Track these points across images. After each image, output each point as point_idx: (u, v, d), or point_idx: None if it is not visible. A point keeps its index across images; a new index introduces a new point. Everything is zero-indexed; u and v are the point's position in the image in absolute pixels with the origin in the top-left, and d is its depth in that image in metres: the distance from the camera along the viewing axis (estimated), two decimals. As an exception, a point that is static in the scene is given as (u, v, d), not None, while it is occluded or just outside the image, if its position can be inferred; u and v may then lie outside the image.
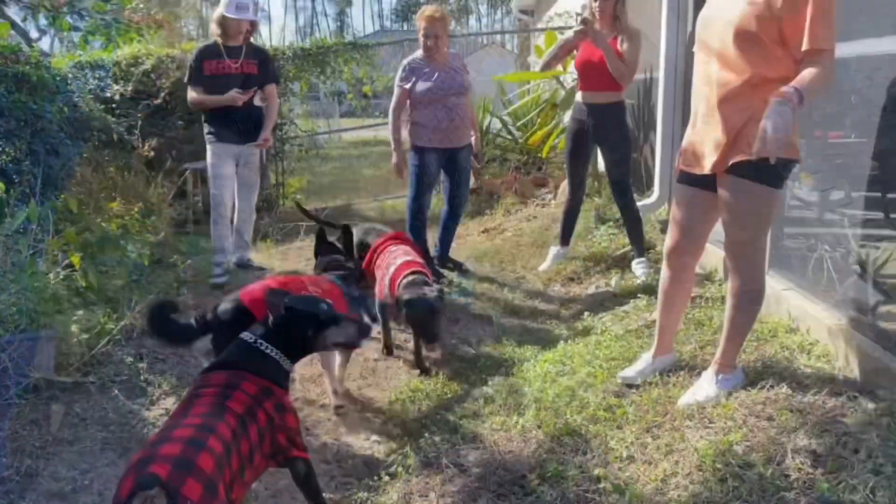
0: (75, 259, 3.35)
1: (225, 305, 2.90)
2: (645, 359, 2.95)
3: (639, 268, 4.64)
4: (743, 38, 2.35)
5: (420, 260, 3.77)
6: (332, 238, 3.83)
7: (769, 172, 2.33)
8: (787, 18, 2.27)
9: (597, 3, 4.43)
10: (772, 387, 2.57)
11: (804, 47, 2.25)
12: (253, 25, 4.89)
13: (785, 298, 3.18)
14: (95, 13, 3.45)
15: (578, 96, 4.70)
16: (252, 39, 5.01)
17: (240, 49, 4.75)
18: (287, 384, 2.30)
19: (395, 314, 3.67)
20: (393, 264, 3.67)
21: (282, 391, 2.20)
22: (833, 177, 3.27)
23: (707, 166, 2.53)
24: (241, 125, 4.79)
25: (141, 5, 4.16)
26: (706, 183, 2.59)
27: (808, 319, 2.97)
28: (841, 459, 2.11)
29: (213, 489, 1.70)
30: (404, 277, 3.53)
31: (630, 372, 2.90)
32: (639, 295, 4.11)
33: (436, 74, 4.63)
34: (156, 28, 3.63)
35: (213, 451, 1.76)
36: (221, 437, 1.81)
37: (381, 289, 3.71)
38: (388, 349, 3.86)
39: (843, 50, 2.84)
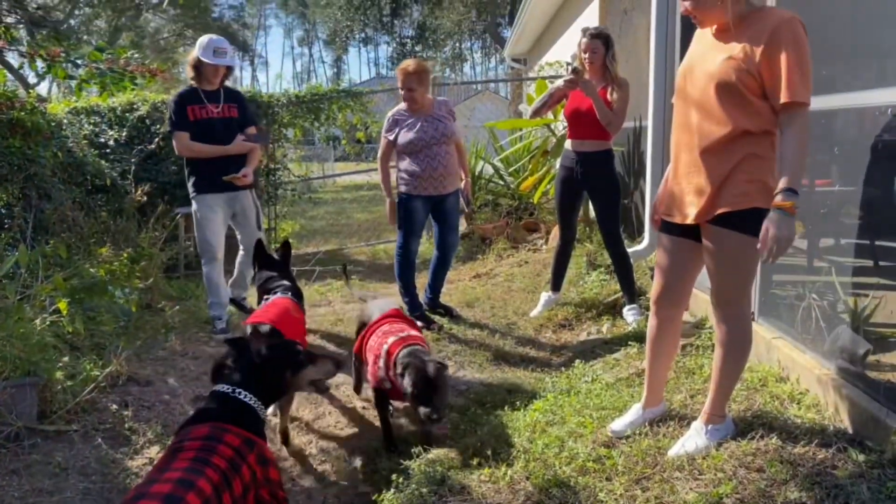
0: (62, 305, 3.33)
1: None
2: (635, 410, 2.92)
3: (630, 314, 4.64)
4: (723, 90, 2.39)
5: (418, 335, 3.38)
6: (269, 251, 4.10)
7: (753, 222, 2.34)
8: (765, 71, 2.31)
9: (587, 55, 4.53)
10: (762, 437, 2.55)
11: (782, 100, 2.28)
12: (229, 69, 4.81)
13: (775, 347, 3.17)
14: (90, 62, 3.50)
15: (568, 144, 4.77)
16: (248, 86, 5.05)
17: (218, 93, 4.70)
18: (264, 433, 2.28)
19: (392, 395, 3.28)
20: (386, 343, 3.23)
21: (262, 442, 2.19)
22: (821, 224, 3.29)
23: (690, 216, 2.54)
24: (227, 170, 4.68)
25: (136, 55, 4.22)
26: (689, 232, 2.60)
27: (797, 368, 2.96)
28: (832, 513, 2.08)
29: None
30: (401, 350, 3.14)
31: (619, 425, 2.87)
32: (630, 342, 4.10)
33: (418, 124, 4.70)
34: (149, 77, 3.67)
35: None
36: (201, 492, 1.78)
37: (373, 372, 3.26)
38: (390, 441, 3.30)
39: (830, 102, 2.92)
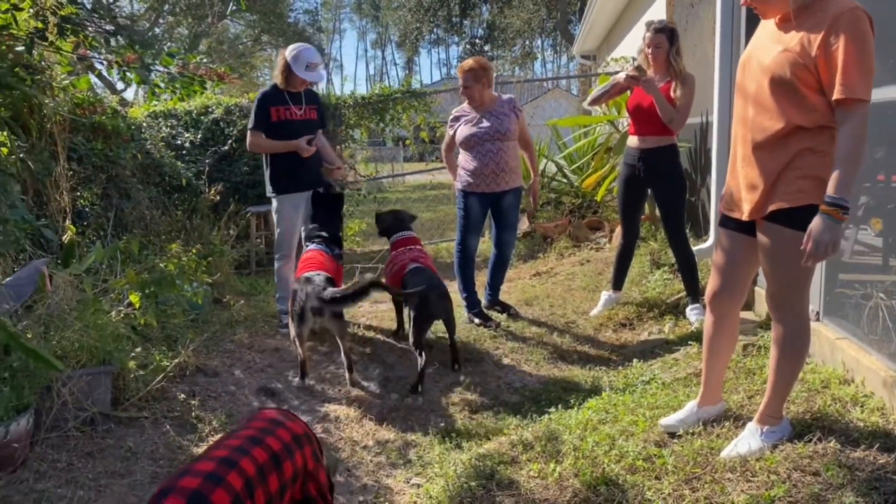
0: (134, 298, 3.52)
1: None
2: (689, 407, 2.88)
3: (693, 314, 4.54)
4: (777, 84, 2.33)
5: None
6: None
7: (808, 220, 2.27)
8: (822, 64, 2.23)
9: (650, 49, 4.45)
10: (820, 440, 2.47)
11: (836, 96, 2.20)
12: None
13: (839, 348, 3.06)
14: (163, 67, 3.69)
15: (630, 140, 4.70)
16: (323, 89, 5.17)
17: (300, 95, 4.82)
18: None
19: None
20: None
21: (318, 443, 2.25)
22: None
23: (746, 211, 2.49)
24: (307, 169, 4.82)
25: (205, 59, 4.41)
26: (747, 227, 2.55)
27: (862, 370, 2.84)
28: (888, 520, 2.00)
29: None
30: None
31: (672, 420, 2.84)
32: (690, 342, 4.02)
33: (478, 120, 4.75)
34: (217, 80, 3.84)
35: (231, 487, 1.79)
36: (243, 472, 1.85)
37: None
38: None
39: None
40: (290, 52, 4.75)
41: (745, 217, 2.50)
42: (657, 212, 5.66)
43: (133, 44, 3.66)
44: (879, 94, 3.04)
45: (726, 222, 2.66)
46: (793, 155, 2.32)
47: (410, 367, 4.30)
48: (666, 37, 4.42)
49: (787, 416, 2.66)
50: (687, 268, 4.65)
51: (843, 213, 2.16)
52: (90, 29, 3.61)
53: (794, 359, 2.52)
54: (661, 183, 4.60)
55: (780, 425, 2.56)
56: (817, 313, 3.39)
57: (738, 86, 2.58)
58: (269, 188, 4.89)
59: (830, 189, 2.18)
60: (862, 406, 2.70)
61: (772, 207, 2.39)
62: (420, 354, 3.98)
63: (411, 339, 4.06)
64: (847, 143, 2.19)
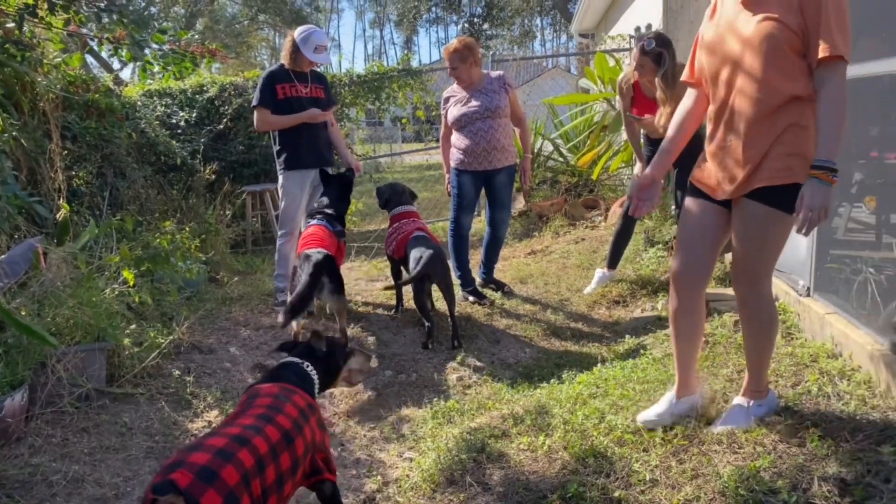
0: (128, 275, 3.53)
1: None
2: (667, 399, 2.74)
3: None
4: (767, 52, 2.25)
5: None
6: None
7: (792, 198, 2.21)
8: (810, 25, 2.18)
9: (635, 66, 4.45)
10: (806, 412, 2.49)
11: (821, 55, 2.14)
12: None
13: (828, 323, 3.07)
14: (154, 44, 3.66)
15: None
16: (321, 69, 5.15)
17: (306, 74, 4.85)
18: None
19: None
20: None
21: (319, 410, 2.28)
22: (892, 199, 3.15)
23: (728, 191, 2.42)
24: (316, 147, 4.86)
25: (196, 36, 4.39)
26: (720, 203, 2.48)
27: (850, 344, 2.86)
28: (870, 488, 2.03)
29: (234, 501, 1.74)
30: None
31: (650, 414, 2.71)
32: (682, 318, 4.03)
33: (468, 100, 4.76)
34: (209, 58, 3.81)
35: (242, 464, 1.79)
36: (255, 449, 1.85)
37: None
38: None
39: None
40: (299, 33, 4.78)
41: (727, 195, 2.43)
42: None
43: (123, 20, 3.63)
44: (873, 68, 3.04)
45: (700, 195, 2.57)
46: (781, 130, 2.27)
47: (406, 344, 4.33)
48: (651, 59, 4.35)
49: (774, 390, 2.68)
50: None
51: (832, 175, 2.12)
52: (81, 4, 3.57)
53: (764, 334, 2.50)
54: (686, 163, 4.59)
55: (766, 398, 2.59)
56: (808, 289, 3.41)
57: (709, 71, 2.46)
58: (278, 165, 4.93)
59: (819, 153, 2.15)
60: (849, 379, 2.72)
61: (758, 184, 2.33)
62: (426, 316, 4.22)
63: (415, 303, 4.27)
64: (831, 104, 2.15)
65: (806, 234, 2.20)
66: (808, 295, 3.40)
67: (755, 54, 2.28)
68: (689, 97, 2.64)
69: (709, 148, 2.51)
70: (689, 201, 2.62)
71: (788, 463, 2.23)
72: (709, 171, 2.53)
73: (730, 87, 2.38)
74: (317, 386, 2.38)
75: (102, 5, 3.55)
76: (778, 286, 3.70)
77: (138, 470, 2.89)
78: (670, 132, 2.66)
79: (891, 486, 2.01)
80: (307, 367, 2.39)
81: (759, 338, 2.51)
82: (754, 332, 2.51)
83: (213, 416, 3.38)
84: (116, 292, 3.76)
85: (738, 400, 2.62)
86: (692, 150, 2.82)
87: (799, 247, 3.50)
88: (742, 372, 3.02)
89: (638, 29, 4.67)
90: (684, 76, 2.65)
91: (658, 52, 4.34)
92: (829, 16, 2.14)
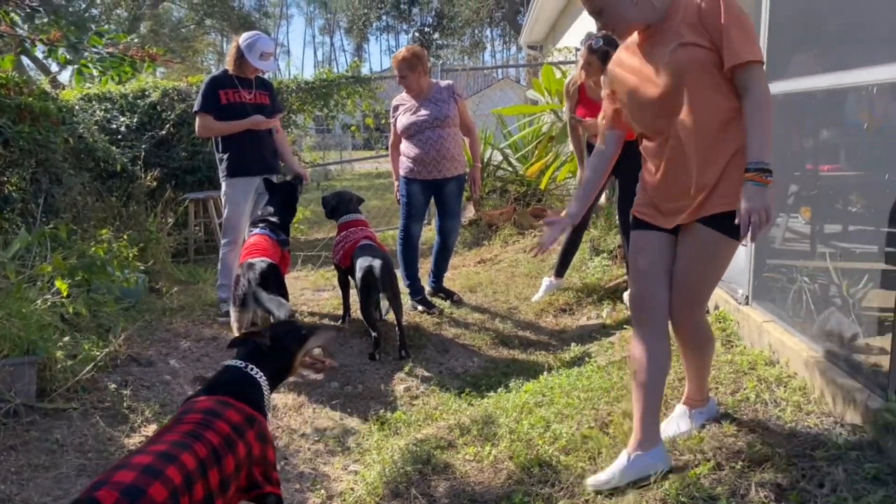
0: (61, 285, 3.40)
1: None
2: (621, 459, 2.40)
3: (630, 299, 4.63)
4: (698, 75, 2.19)
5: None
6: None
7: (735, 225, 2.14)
8: (716, 40, 2.16)
9: (584, 59, 4.50)
10: (744, 419, 2.55)
11: (734, 62, 2.12)
12: None
13: (766, 330, 3.15)
14: (91, 47, 3.54)
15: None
16: (270, 76, 5.07)
17: (251, 81, 4.76)
18: (268, 413, 2.29)
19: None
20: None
21: (264, 420, 2.19)
22: (827, 210, 3.25)
23: (680, 218, 2.33)
24: (260, 154, 4.77)
25: (136, 40, 4.27)
26: (669, 230, 2.40)
27: (786, 352, 2.94)
28: (805, 493, 2.08)
29: None
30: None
31: (598, 480, 2.39)
32: (626, 326, 4.08)
33: (417, 108, 4.76)
34: (149, 62, 3.70)
35: (170, 481, 1.74)
36: (183, 466, 1.80)
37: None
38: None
39: (835, 80, 2.86)
40: (244, 39, 4.71)
41: (678, 222, 2.35)
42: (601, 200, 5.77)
43: (59, 21, 3.49)
44: (807, 84, 3.15)
45: (645, 224, 2.45)
46: (731, 153, 2.21)
47: (352, 355, 4.27)
48: (598, 58, 4.37)
49: (714, 398, 2.73)
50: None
51: (765, 175, 2.07)
52: (11, 3, 3.43)
53: (700, 352, 2.53)
54: (627, 169, 4.63)
55: (706, 406, 2.63)
56: (746, 297, 3.50)
57: (640, 117, 2.38)
58: (221, 172, 4.82)
59: (750, 155, 2.10)
60: (785, 386, 2.79)
61: (713, 210, 2.24)
62: (373, 326, 4.18)
63: (362, 314, 4.23)
64: (756, 106, 2.12)
65: (753, 240, 2.20)
66: (747, 303, 3.48)
67: (686, 81, 2.20)
68: (606, 141, 2.57)
69: (652, 180, 2.39)
70: (636, 234, 2.49)
71: (727, 469, 2.27)
72: (654, 203, 2.42)
73: (669, 120, 2.27)
74: (265, 388, 2.25)
75: (35, 4, 3.41)
76: (718, 295, 3.78)
77: (69, 489, 2.77)
78: (588, 174, 2.63)
79: (824, 490, 2.06)
80: (250, 369, 2.26)
81: (696, 356, 2.54)
82: (690, 352, 2.54)
83: (152, 431, 3.26)
84: (49, 303, 3.61)
85: (680, 407, 2.66)
86: (633, 162, 2.67)
87: (738, 256, 3.58)
88: (682, 379, 3.07)
89: (589, 35, 4.71)
90: (600, 122, 2.58)
91: (605, 51, 4.38)
92: (730, 26, 2.12)
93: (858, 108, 3.03)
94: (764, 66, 2.18)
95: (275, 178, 4.80)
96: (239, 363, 2.28)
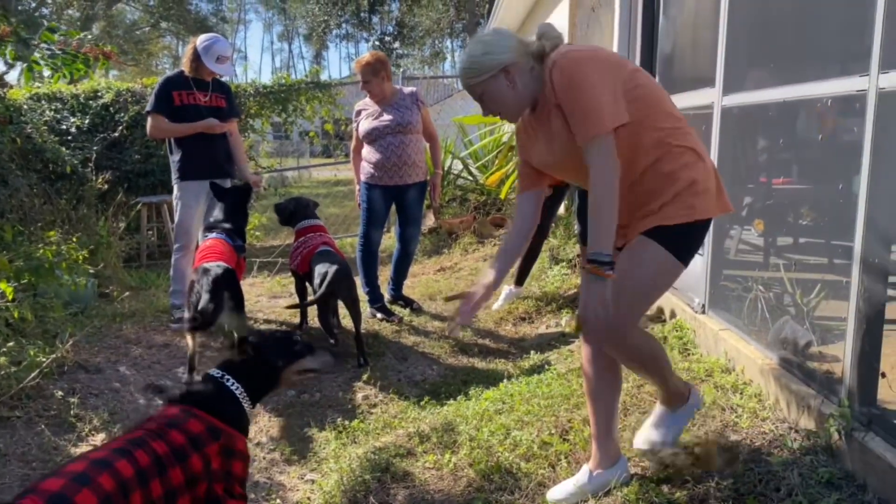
0: (6, 288, 3.26)
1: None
2: (581, 474, 2.37)
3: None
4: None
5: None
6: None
7: (679, 243, 2.09)
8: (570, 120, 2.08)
9: None
10: (702, 426, 2.57)
11: (579, 142, 2.05)
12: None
13: (722, 339, 3.20)
14: (42, 44, 3.42)
15: None
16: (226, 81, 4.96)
17: (207, 83, 4.67)
18: (246, 427, 2.17)
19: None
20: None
21: (235, 433, 2.07)
22: (778, 222, 3.33)
23: (622, 241, 2.22)
24: (213, 157, 4.67)
25: (89, 36, 4.15)
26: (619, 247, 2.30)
27: (742, 359, 2.99)
28: (762, 497, 2.11)
29: None
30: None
31: (559, 493, 2.37)
32: (585, 334, 4.11)
33: (379, 114, 4.74)
34: (103, 60, 3.59)
35: (100, 489, 1.66)
36: (117, 474, 1.73)
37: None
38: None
39: (788, 92, 2.93)
40: (201, 41, 4.61)
41: (622, 244, 2.23)
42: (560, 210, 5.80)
43: (7, 15, 3.37)
44: (760, 96, 3.22)
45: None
46: (651, 191, 2.12)
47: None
48: None
49: (697, 387, 2.64)
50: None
51: (606, 269, 1.97)
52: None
53: (645, 365, 2.34)
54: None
55: (687, 404, 2.41)
56: (703, 306, 3.55)
57: (566, 175, 2.37)
58: (173, 174, 4.70)
59: (589, 245, 2.02)
60: (741, 393, 2.84)
61: (648, 226, 2.14)
62: (330, 333, 4.15)
63: (319, 321, 4.20)
64: (591, 188, 2.03)
65: (591, 337, 2.20)
66: (703, 312, 3.54)
67: (576, 149, 2.11)
68: (524, 203, 2.44)
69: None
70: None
71: (686, 476, 2.29)
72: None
73: (582, 174, 2.14)
74: (245, 401, 2.14)
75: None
76: (675, 303, 3.84)
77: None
78: (512, 238, 2.49)
79: (780, 493, 2.10)
80: (227, 380, 2.15)
81: (644, 371, 2.39)
82: (635, 369, 2.42)
83: (100, 440, 3.16)
84: (-8, 307, 3.47)
85: (660, 409, 2.44)
86: None
87: (695, 265, 3.64)
88: (643, 386, 3.10)
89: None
90: (518, 186, 2.50)
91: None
92: (571, 108, 2.05)
93: (809, 122, 3.11)
94: (605, 137, 2.01)
95: (229, 183, 4.70)
96: (217, 373, 2.18)
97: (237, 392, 2.14)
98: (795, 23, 3.08)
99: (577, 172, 2.18)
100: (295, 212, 4.70)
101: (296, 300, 4.72)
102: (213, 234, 4.20)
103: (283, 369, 2.26)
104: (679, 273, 2.17)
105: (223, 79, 4.84)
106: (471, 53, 2.21)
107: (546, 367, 3.74)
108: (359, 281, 4.93)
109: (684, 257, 2.12)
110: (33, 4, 23.36)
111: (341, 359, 4.17)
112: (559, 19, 8.08)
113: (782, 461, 2.26)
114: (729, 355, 3.13)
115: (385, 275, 5.35)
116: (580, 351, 3.85)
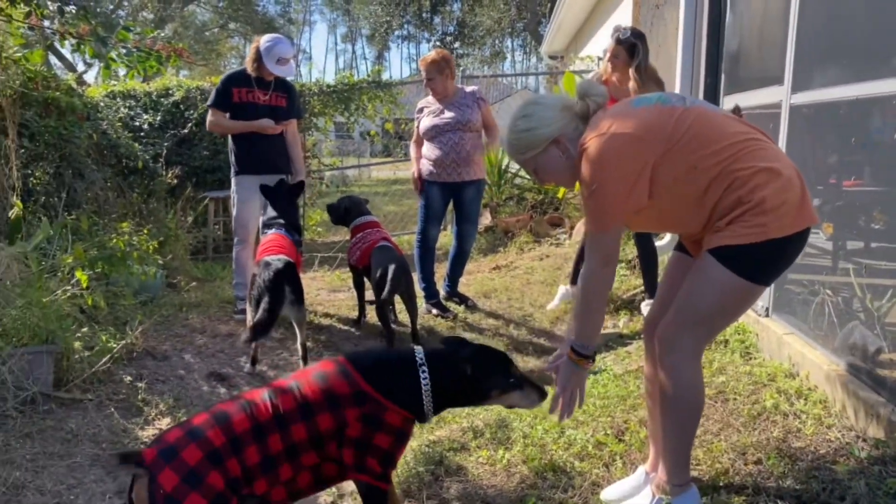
0: (81, 276, 3.42)
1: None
2: (637, 475, 2.34)
3: (648, 309, 4.59)
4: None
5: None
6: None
7: (748, 264, 1.93)
8: None
9: (609, 57, 4.47)
10: (763, 431, 2.51)
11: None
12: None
13: (786, 343, 3.11)
14: (118, 41, 3.58)
15: None
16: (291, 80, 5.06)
17: (269, 82, 4.76)
18: (425, 416, 2.05)
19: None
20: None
21: (391, 407, 1.95)
22: (848, 225, 3.21)
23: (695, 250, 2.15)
24: (269, 154, 4.77)
25: (162, 34, 4.32)
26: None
27: (807, 364, 2.90)
28: (825, 506, 2.04)
29: (194, 481, 1.73)
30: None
31: (612, 493, 2.33)
32: (642, 336, 4.05)
33: (441, 111, 4.79)
34: (175, 57, 3.73)
35: (207, 443, 1.78)
36: (228, 429, 1.82)
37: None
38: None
39: (861, 89, 2.82)
40: (264, 42, 4.71)
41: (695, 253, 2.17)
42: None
43: (88, 15, 3.53)
44: (831, 94, 3.11)
45: (679, 247, 2.31)
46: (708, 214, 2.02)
47: (365, 355, 4.27)
48: (625, 49, 4.36)
49: (695, 487, 2.15)
50: (649, 264, 4.68)
51: (585, 360, 2.07)
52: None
53: (668, 406, 2.09)
54: None
55: (691, 490, 2.11)
56: (767, 309, 3.46)
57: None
58: (232, 169, 4.85)
59: (575, 336, 2.08)
60: (806, 399, 2.75)
61: (716, 244, 1.98)
62: (387, 328, 4.21)
63: (377, 315, 4.26)
64: (584, 281, 2.05)
65: (561, 419, 2.18)
66: (767, 315, 3.44)
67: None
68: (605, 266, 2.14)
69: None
70: (671, 254, 2.37)
71: (746, 480, 2.23)
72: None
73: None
74: (426, 395, 2.00)
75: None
76: (738, 306, 3.74)
77: (82, 478, 2.78)
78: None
79: (845, 503, 2.02)
80: (421, 365, 2.02)
81: (661, 408, 2.13)
82: (658, 396, 2.12)
83: (165, 424, 3.27)
84: (68, 294, 3.64)
85: (646, 492, 2.25)
86: None
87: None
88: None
89: (617, 27, 4.67)
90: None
91: (632, 43, 4.35)
92: (586, 201, 2.04)
93: (884, 121, 2.99)
94: (604, 234, 2.03)
95: (287, 179, 4.79)
96: (419, 353, 2.07)
97: (423, 382, 2.02)
98: (870, 17, 2.96)
99: (648, 223, 2.24)
100: (350, 209, 4.78)
101: (354, 294, 4.82)
102: (274, 230, 4.30)
103: (488, 396, 2.11)
104: (755, 293, 2.02)
105: (289, 78, 4.94)
106: (515, 129, 2.16)
107: (603, 367, 3.70)
108: (415, 276, 4.99)
109: (758, 278, 1.95)
110: (111, 7, 24.33)
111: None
112: (622, 18, 7.98)
113: (848, 470, 2.18)
114: (793, 360, 3.03)
115: (441, 271, 5.38)
116: (637, 353, 3.82)
